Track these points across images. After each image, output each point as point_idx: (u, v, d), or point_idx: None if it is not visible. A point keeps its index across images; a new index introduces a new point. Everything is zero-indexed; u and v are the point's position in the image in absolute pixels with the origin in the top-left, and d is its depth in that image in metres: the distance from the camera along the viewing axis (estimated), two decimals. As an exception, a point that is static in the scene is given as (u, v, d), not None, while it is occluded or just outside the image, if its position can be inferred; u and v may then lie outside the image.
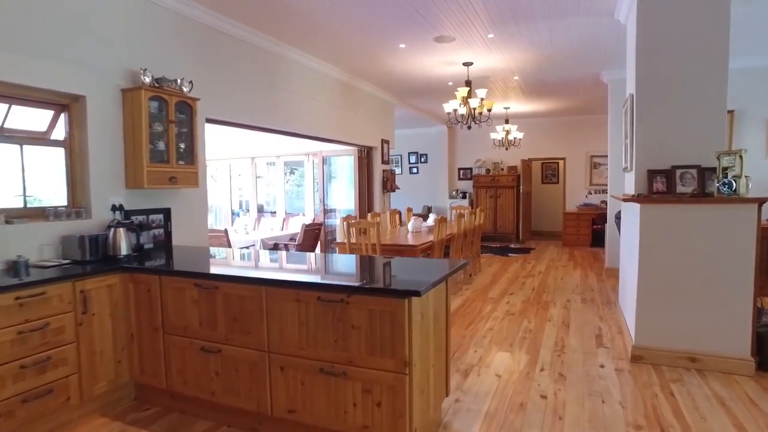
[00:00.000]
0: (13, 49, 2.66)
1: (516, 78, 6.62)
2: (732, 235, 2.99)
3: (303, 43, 4.99)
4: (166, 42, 3.68)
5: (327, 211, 8.20)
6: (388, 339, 2.01)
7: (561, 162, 10.89)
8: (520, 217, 10.26)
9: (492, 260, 7.92)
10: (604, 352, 3.50)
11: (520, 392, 2.86)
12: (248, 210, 9.39)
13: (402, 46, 5.09)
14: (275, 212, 9.17)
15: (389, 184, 7.59)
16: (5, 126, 2.94)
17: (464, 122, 5.87)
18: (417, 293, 1.92)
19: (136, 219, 3.40)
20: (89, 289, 2.54)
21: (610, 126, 6.45)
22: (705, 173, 3.14)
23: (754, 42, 4.81)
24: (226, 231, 5.69)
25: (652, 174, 3.31)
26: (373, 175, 7.44)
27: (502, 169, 10.68)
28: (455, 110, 5.70)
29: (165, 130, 3.47)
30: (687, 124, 3.22)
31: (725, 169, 2.95)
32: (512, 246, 9.70)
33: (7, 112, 2.92)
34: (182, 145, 3.67)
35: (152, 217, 3.57)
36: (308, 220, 7.81)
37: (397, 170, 11.84)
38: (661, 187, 3.28)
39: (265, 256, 3.59)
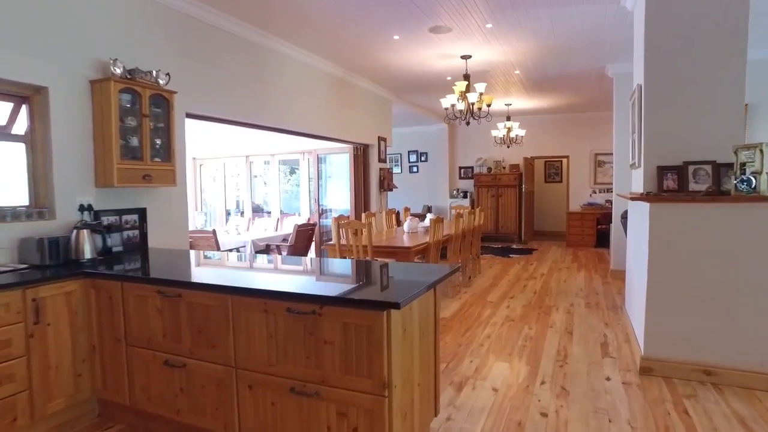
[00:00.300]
0: (-37, 35, 2.44)
1: (517, 72, 6.37)
2: (751, 237, 2.73)
3: (292, 35, 4.75)
4: (140, 31, 3.45)
5: (323, 211, 7.98)
6: (365, 356, 1.77)
7: (564, 160, 10.62)
8: (523, 216, 9.99)
9: (493, 261, 7.66)
10: (610, 363, 3.25)
11: (518, 409, 2.62)
12: (242, 210, 9.17)
13: (396, 37, 4.85)
14: (271, 212, 8.96)
15: (386, 183, 7.35)
16: (-40, 119, 2.72)
17: (463, 118, 5.62)
18: (396, 305, 1.68)
19: (107, 220, 3.17)
20: (43, 296, 2.31)
21: (615, 122, 6.18)
22: (721, 169, 2.88)
23: (768, 31, 4.54)
24: (214, 232, 5.46)
25: (662, 170, 3.06)
26: (370, 173, 7.20)
27: (504, 168, 10.41)
28: (453, 105, 5.45)
29: (139, 125, 3.24)
30: (700, 116, 2.96)
31: (743, 164, 2.69)
32: (514, 247, 9.43)
33: (-38, 104, 2.70)
34: (158, 141, 3.44)
35: (126, 217, 3.34)
36: (303, 221, 7.58)
37: (397, 169, 11.60)
38: (672, 184, 3.03)
39: (245, 259, 3.35)
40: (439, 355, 2.31)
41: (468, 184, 10.84)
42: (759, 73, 4.98)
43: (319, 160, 7.65)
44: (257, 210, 9.54)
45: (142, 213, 3.47)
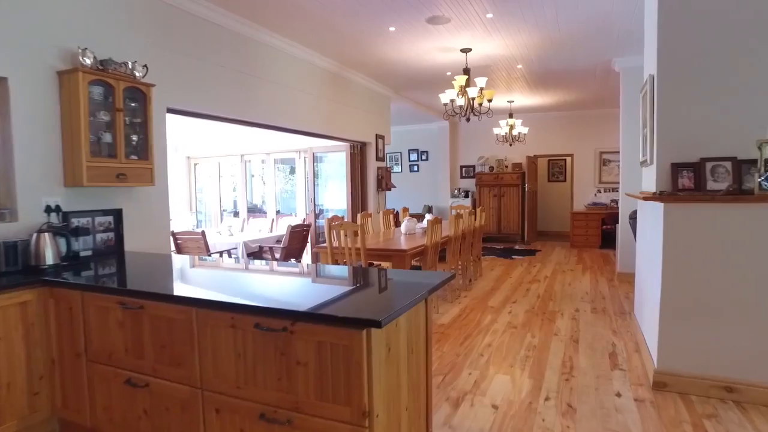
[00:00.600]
0: None
1: (519, 67, 6.12)
2: (777, 241, 2.48)
3: (283, 27, 4.52)
4: (115, 20, 3.23)
5: (321, 211, 7.75)
6: (343, 381, 1.54)
7: (568, 159, 10.35)
8: (525, 217, 9.73)
9: (495, 263, 7.41)
10: (620, 376, 3.00)
11: (520, 430, 2.38)
12: (237, 210, 8.95)
13: (392, 29, 4.61)
14: (267, 213, 8.75)
15: (384, 183, 7.11)
16: None
17: (463, 114, 5.37)
18: (377, 324, 1.45)
19: (78, 222, 2.95)
20: (-6, 308, 2.09)
21: (622, 118, 5.93)
22: (742, 166, 2.63)
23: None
24: (203, 233, 5.24)
25: (676, 168, 2.81)
26: (367, 172, 6.97)
27: (506, 167, 10.16)
28: (452, 101, 5.21)
29: (112, 120, 3.02)
30: (720, 108, 2.71)
31: (768, 160, 2.45)
32: (517, 247, 9.18)
33: None
34: (135, 138, 3.21)
35: (99, 219, 3.12)
36: (300, 221, 7.36)
37: (397, 168, 11.37)
38: (687, 183, 2.78)
39: (225, 265, 3.12)
40: (431, 374, 2.07)
41: (470, 184, 10.60)
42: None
43: (315, 159, 7.42)
44: (254, 210, 9.32)
45: (117, 214, 3.24)
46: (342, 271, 2.50)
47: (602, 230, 9.00)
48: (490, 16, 4.29)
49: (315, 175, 7.51)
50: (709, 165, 2.73)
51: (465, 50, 5.28)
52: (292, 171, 9.25)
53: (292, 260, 6.31)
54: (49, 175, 2.81)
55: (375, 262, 4.69)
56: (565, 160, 10.83)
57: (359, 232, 3.93)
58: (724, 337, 2.61)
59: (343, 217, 5.23)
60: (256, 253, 6.02)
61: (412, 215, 7.74)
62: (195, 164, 9.31)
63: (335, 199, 7.47)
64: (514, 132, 8.24)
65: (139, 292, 1.98)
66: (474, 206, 9.91)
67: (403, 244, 4.43)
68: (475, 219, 6.13)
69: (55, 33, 2.83)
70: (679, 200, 2.68)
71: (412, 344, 1.83)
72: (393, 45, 5.12)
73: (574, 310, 4.60)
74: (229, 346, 1.77)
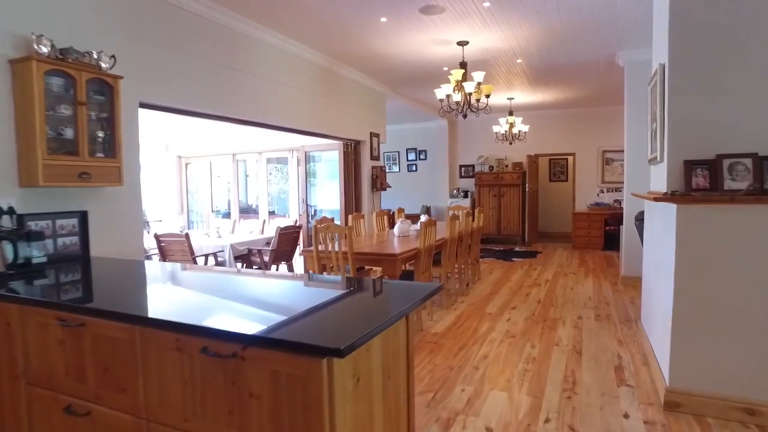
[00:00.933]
0: None
1: (519, 61, 5.86)
2: (804, 246, 2.22)
3: (268, 18, 4.27)
4: (80, 5, 2.98)
5: (315, 212, 7.51)
6: (301, 418, 1.29)
7: (570, 158, 10.08)
8: (526, 217, 9.47)
9: (494, 266, 7.15)
10: (628, 394, 2.74)
11: (516, 458, 2.13)
12: (227, 211, 8.72)
13: (383, 19, 4.36)
14: (272, 213, 8.51)
15: (379, 182, 6.86)
16: None
17: (459, 111, 5.12)
18: (338, 352, 1.19)
19: (37, 225, 2.71)
20: None
21: (627, 115, 5.67)
22: (764, 163, 2.37)
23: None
24: (187, 236, 5.00)
25: (690, 165, 2.55)
26: (361, 172, 6.71)
27: (507, 166, 9.89)
28: (448, 96, 4.95)
29: (74, 115, 2.78)
30: (739, 99, 2.45)
31: (795, 156, 2.19)
32: (517, 249, 8.92)
33: None
34: (100, 134, 2.96)
35: (61, 222, 2.87)
36: (292, 222, 7.11)
37: (395, 168, 11.12)
38: (702, 182, 2.52)
39: (193, 273, 2.88)
40: (414, 401, 1.82)
41: (469, 184, 10.34)
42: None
43: (308, 158, 7.17)
44: (249, 211, 9.08)
45: (82, 216, 2.99)
46: (314, 282, 2.24)
47: (605, 231, 8.73)
48: (487, 5, 4.04)
49: (307, 175, 7.26)
50: (726, 162, 2.47)
51: (461, 43, 5.03)
52: (280, 170, 9.02)
53: (282, 264, 6.07)
54: (1, 175, 2.57)
55: (367, 267, 4.45)
56: (566, 159, 10.57)
57: (347, 235, 3.68)
58: (744, 353, 2.35)
59: (333, 219, 4.98)
60: (244, 256, 5.77)
61: (409, 216, 7.50)
62: (186, 164, 9.08)
63: (328, 199, 7.23)
64: (514, 130, 7.99)
65: (78, 307, 1.73)
66: (473, 207, 9.65)
67: (395, 247, 4.17)
68: (473, 220, 5.87)
69: (7, 17, 2.58)
70: (693, 201, 2.42)
71: (389, 369, 1.58)
72: (385, 37, 4.87)
73: (576, 317, 4.34)
74: (176, 371, 1.52)
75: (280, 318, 1.49)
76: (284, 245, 5.68)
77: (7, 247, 2.35)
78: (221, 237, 6.19)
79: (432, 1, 3.94)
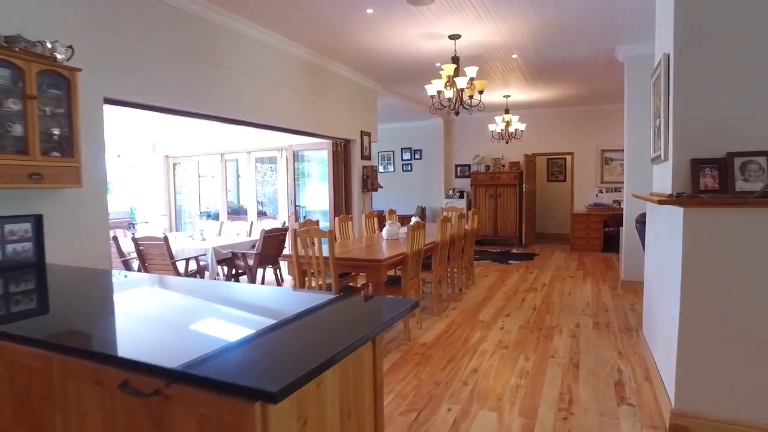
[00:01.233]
0: None
1: (515, 56, 5.62)
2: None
3: (249, 10, 4.03)
4: (32, -9, 2.75)
5: (307, 214, 7.27)
6: (232, 474, 1.05)
7: (568, 157, 9.85)
8: (523, 218, 9.23)
9: (489, 269, 6.92)
10: (629, 415, 2.51)
11: (505, 493, 1.89)
12: (213, 213, 8.47)
13: (369, 11, 4.12)
14: (264, 214, 8.26)
15: (370, 183, 6.62)
16: None
17: (451, 108, 4.88)
18: (270, 397, 0.96)
19: (-20, 230, 2.47)
20: None
21: (626, 112, 5.44)
22: (781, 162, 2.14)
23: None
24: (165, 239, 4.76)
25: (697, 165, 2.32)
26: (351, 172, 6.48)
27: (503, 166, 9.66)
28: (439, 92, 4.71)
29: (23, 110, 2.54)
30: (752, 92, 2.22)
31: (816, 155, 1.96)
32: (514, 251, 8.68)
33: None
34: (56, 131, 2.73)
35: (11, 227, 2.63)
36: (278, 224, 6.86)
37: (390, 168, 10.89)
38: (711, 183, 2.29)
39: (147, 286, 2.64)
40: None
41: (465, 184, 10.10)
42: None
43: (296, 158, 6.93)
44: (240, 212, 8.83)
45: (36, 221, 2.75)
46: (272, 297, 2.01)
47: (604, 233, 8.50)
48: (478, -6, 3.81)
49: (296, 175, 7.02)
50: (738, 161, 2.24)
51: (453, 37, 4.79)
52: (275, 170, 8.77)
53: (268, 268, 5.83)
54: (-60, 175, 2.33)
55: (353, 273, 4.21)
56: (564, 158, 10.34)
57: (329, 238, 3.44)
58: (761, 372, 2.12)
59: (318, 222, 4.74)
60: (228, 260, 5.53)
61: (403, 217, 7.26)
62: (175, 164, 8.83)
63: (318, 200, 6.99)
64: (511, 129, 7.75)
65: (-8, 329, 1.49)
66: (469, 207, 9.43)
67: (381, 252, 3.93)
68: (467, 222, 5.64)
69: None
70: (702, 204, 2.19)
71: (348, 405, 1.34)
72: (373, 30, 4.63)
73: (573, 326, 4.10)
74: (96, 408, 1.28)
75: (214, 347, 1.25)
76: (269, 248, 5.43)
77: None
78: (205, 240, 5.94)
79: (420, -10, 3.71)
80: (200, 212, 8.58)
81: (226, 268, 5.72)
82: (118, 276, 2.51)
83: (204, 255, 5.31)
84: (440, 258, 4.44)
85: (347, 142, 6.45)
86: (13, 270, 2.54)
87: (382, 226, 6.00)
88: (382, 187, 7.13)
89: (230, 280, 5.88)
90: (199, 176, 8.49)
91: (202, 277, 5.22)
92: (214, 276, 5.29)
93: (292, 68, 5.11)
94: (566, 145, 9.37)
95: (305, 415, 1.14)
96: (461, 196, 9.89)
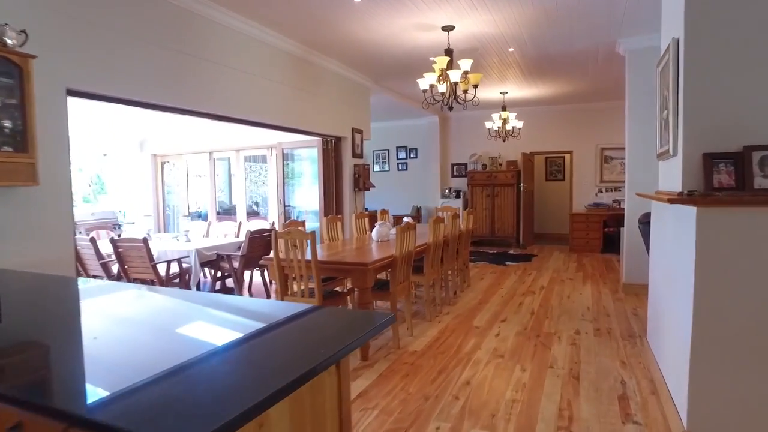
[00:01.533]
0: None
1: (511, 50, 5.40)
2: None
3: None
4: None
5: (300, 214, 7.04)
6: None
7: (567, 156, 9.63)
8: (521, 218, 9.01)
9: (485, 271, 6.69)
10: (635, 434, 2.29)
11: None
12: (199, 212, 8.23)
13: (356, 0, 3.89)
14: (257, 214, 8.02)
15: (362, 182, 6.39)
16: None
17: (445, 103, 4.65)
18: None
19: None
20: None
21: (628, 108, 5.22)
22: (806, 156, 1.92)
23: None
24: (144, 240, 4.52)
25: (710, 160, 2.09)
26: (342, 170, 6.25)
27: (500, 165, 9.44)
28: (432, 86, 4.49)
29: (-32, 99, 2.31)
30: (772, 78, 2.00)
31: None
32: (511, 252, 8.46)
33: None
34: (7, 124, 2.50)
35: (-43, 228, 2.40)
36: (267, 225, 6.63)
37: (385, 167, 10.66)
38: (726, 179, 2.06)
39: (96, 296, 2.40)
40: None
41: (461, 183, 9.87)
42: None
43: (285, 156, 6.69)
44: (230, 212, 8.59)
45: (-13, 222, 2.52)
46: (223, 310, 1.78)
47: (604, 233, 8.29)
48: (472, -20, 3.58)
49: (285, 174, 6.79)
50: (756, 155, 2.01)
51: (447, 28, 4.57)
52: (265, 169, 8.53)
53: (255, 270, 5.60)
54: None
55: (344, 278, 3.98)
56: (563, 157, 10.12)
57: (311, 240, 3.21)
58: (781, 392, 1.90)
59: (303, 222, 4.51)
60: (213, 262, 5.30)
61: (398, 217, 7.05)
62: (163, 163, 8.58)
63: (308, 200, 6.76)
64: (508, 126, 7.53)
65: None
66: (465, 207, 9.20)
67: (369, 254, 3.71)
68: (461, 223, 5.41)
69: None
70: (717, 203, 1.96)
71: (306, 444, 1.11)
72: (362, 21, 4.40)
73: (573, 332, 3.88)
74: (-7, 453, 1.04)
75: (139, 379, 1.01)
76: (255, 250, 5.20)
77: None
78: (190, 241, 5.70)
79: (410, -24, 3.48)
80: (189, 212, 8.33)
81: (207, 271, 5.48)
82: (70, 284, 2.27)
83: (187, 257, 5.07)
84: (432, 260, 4.21)
85: (338, 140, 6.22)
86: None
87: (373, 226, 5.77)
88: (374, 186, 6.90)
89: (215, 283, 5.64)
90: (188, 175, 8.25)
91: (186, 280, 4.98)
92: (197, 279, 5.06)
93: (277, 61, 4.88)
94: (565, 144, 9.16)
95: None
96: (458, 196, 9.67)
